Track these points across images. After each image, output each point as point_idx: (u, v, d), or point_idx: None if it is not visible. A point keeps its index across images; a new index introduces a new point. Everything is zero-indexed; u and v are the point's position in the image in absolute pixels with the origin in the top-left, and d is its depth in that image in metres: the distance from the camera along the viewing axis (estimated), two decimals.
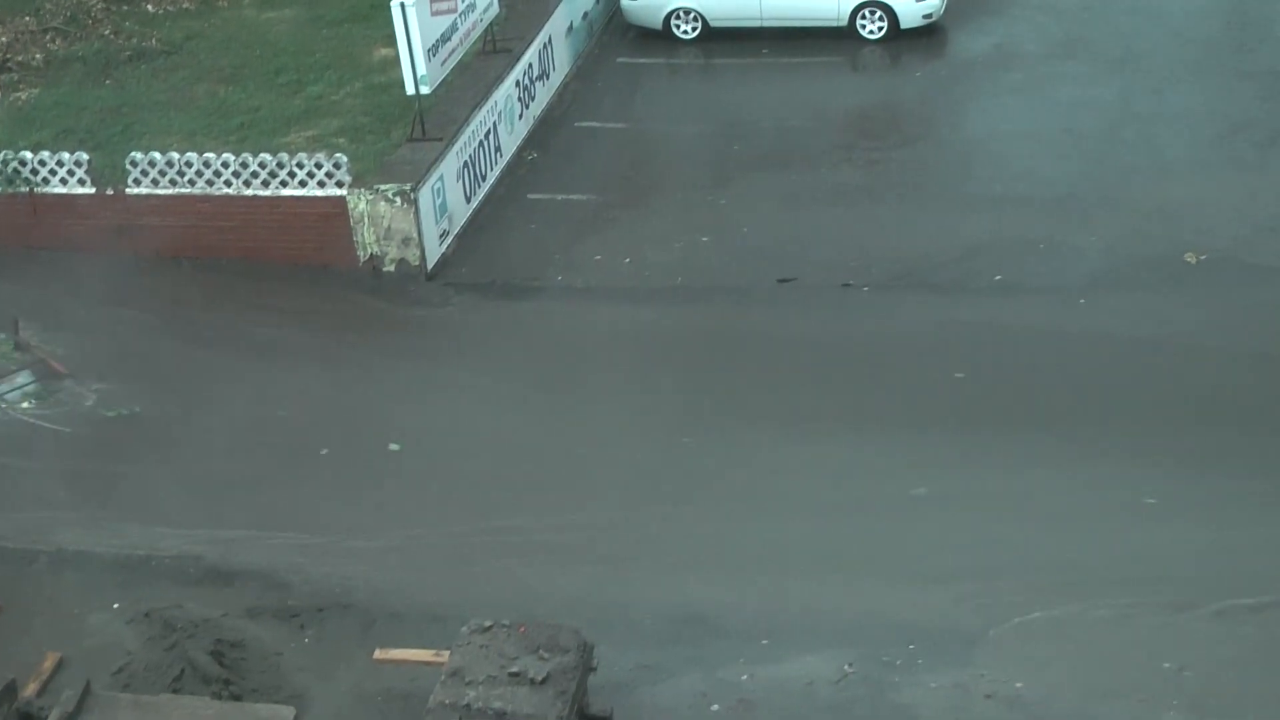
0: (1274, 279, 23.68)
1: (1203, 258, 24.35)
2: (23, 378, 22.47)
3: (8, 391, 22.18)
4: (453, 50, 26.76)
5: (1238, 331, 22.47)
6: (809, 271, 24.94)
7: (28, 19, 33.32)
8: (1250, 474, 19.37)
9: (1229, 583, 17.42)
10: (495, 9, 29.28)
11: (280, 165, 25.51)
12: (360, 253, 25.57)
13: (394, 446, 21.07)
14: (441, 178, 26.10)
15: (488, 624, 15.93)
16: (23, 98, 30.67)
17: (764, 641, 16.96)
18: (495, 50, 29.75)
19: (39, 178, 26.34)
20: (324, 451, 21.29)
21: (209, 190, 25.79)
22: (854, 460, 20.43)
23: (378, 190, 25.27)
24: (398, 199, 25.17)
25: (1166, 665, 16.25)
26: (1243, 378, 21.45)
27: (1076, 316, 23.21)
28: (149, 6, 34.38)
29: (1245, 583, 17.41)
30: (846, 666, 16.51)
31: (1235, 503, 18.90)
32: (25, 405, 21.94)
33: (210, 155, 25.79)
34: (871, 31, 32.37)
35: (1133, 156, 27.58)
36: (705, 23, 33.01)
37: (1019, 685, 16.06)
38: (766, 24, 32.76)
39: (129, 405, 22.18)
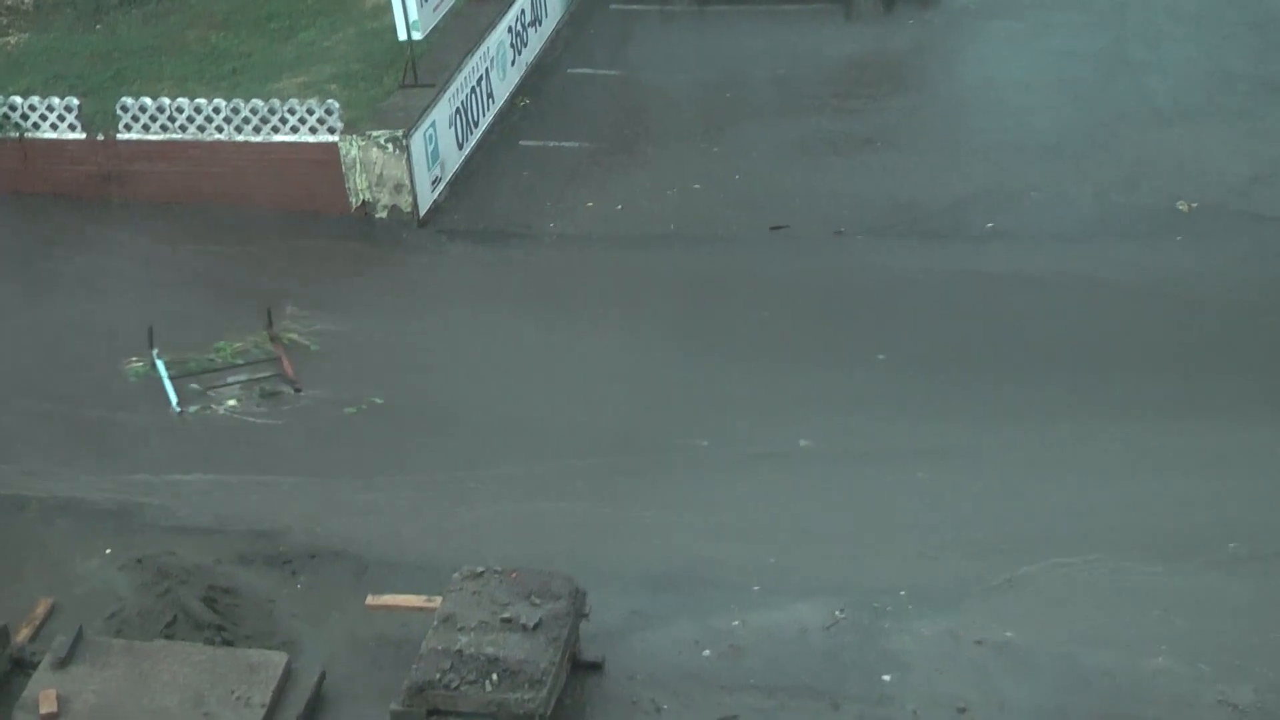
0: (1265, 227, 23.72)
1: (1194, 206, 24.36)
2: (257, 373, 21.63)
3: (229, 384, 21.42)
4: None
5: (1230, 280, 22.51)
6: (802, 219, 24.93)
7: None
8: (1244, 424, 19.42)
9: (1221, 533, 17.48)
10: None
11: (272, 111, 25.44)
12: (352, 199, 25.51)
13: (803, 443, 20.12)
14: (434, 124, 26.02)
15: (480, 570, 15.97)
16: (12, 42, 30.56)
17: (755, 588, 16.99)
18: None
19: (29, 123, 26.24)
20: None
21: (200, 136, 25.72)
22: (848, 408, 20.46)
23: (370, 137, 25.20)
24: (390, 145, 25.11)
25: (1156, 613, 16.31)
26: (1235, 326, 21.49)
27: (1068, 264, 23.23)
28: None
29: (1237, 533, 17.46)
30: (838, 613, 16.55)
31: (1228, 453, 18.95)
32: (231, 403, 21.17)
33: (201, 101, 25.71)
34: None
35: (1126, 105, 27.55)
36: None
37: (1009, 634, 16.12)
38: None
39: (367, 399, 21.36)
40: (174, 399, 21.12)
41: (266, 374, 21.55)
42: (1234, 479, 18.48)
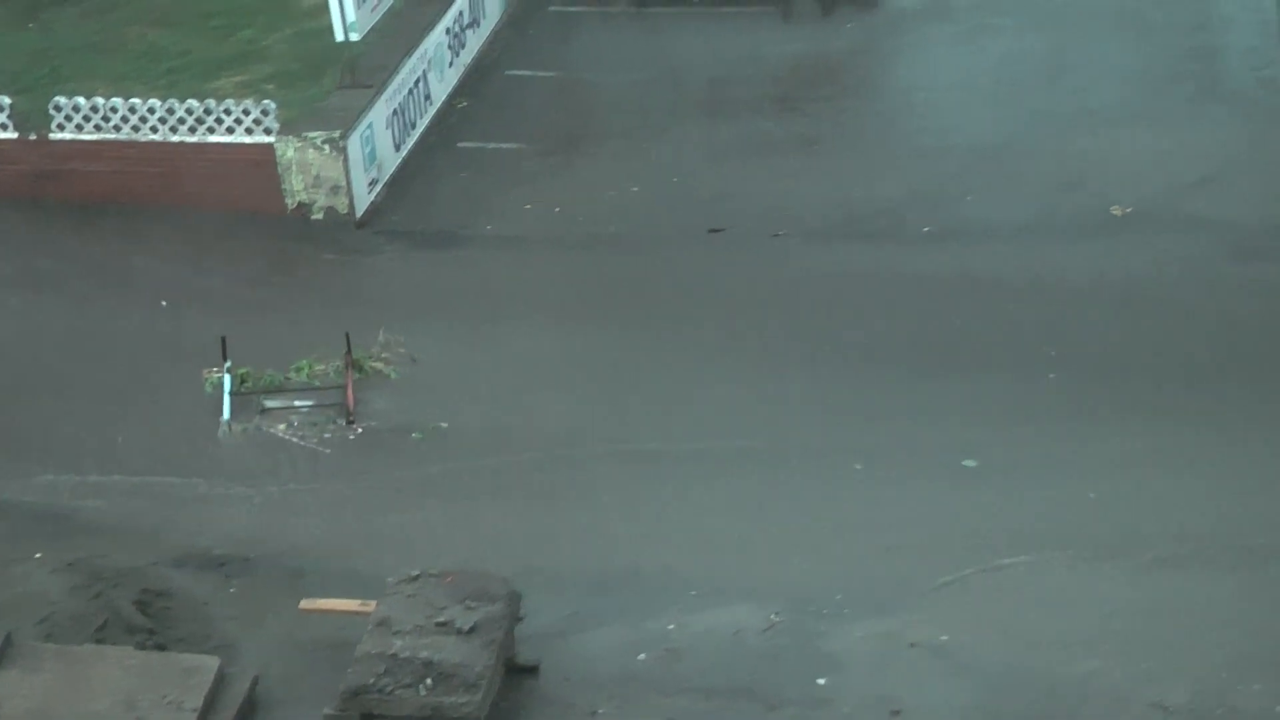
0: (1200, 231, 23.85)
1: (1129, 210, 24.49)
2: (317, 400, 20.90)
3: (291, 407, 20.89)
4: None
5: (1165, 283, 22.64)
6: (740, 221, 24.95)
7: None
8: (1180, 425, 19.52)
9: (1158, 534, 17.57)
10: None
11: (208, 112, 25.28)
12: (288, 200, 25.39)
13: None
14: (371, 125, 25.95)
15: (415, 574, 15.93)
16: None
17: (692, 592, 17.00)
18: None
19: None
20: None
21: (135, 136, 25.53)
22: (787, 411, 20.47)
23: (306, 138, 25.10)
24: (326, 146, 25.01)
25: (1092, 615, 16.40)
26: (1166, 330, 21.60)
27: (1004, 267, 23.31)
28: None
29: (1174, 534, 17.57)
30: (774, 616, 16.58)
31: (1165, 454, 19.04)
32: (282, 426, 20.66)
33: (136, 100, 25.52)
34: None
35: (1063, 109, 27.67)
36: None
37: (944, 637, 16.17)
38: None
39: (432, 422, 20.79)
40: (227, 414, 20.71)
41: (330, 401, 20.93)
42: (1171, 480, 18.57)
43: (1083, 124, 27.12)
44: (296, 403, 20.98)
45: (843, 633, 16.34)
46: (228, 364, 21.01)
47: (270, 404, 20.93)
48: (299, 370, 21.38)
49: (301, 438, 20.43)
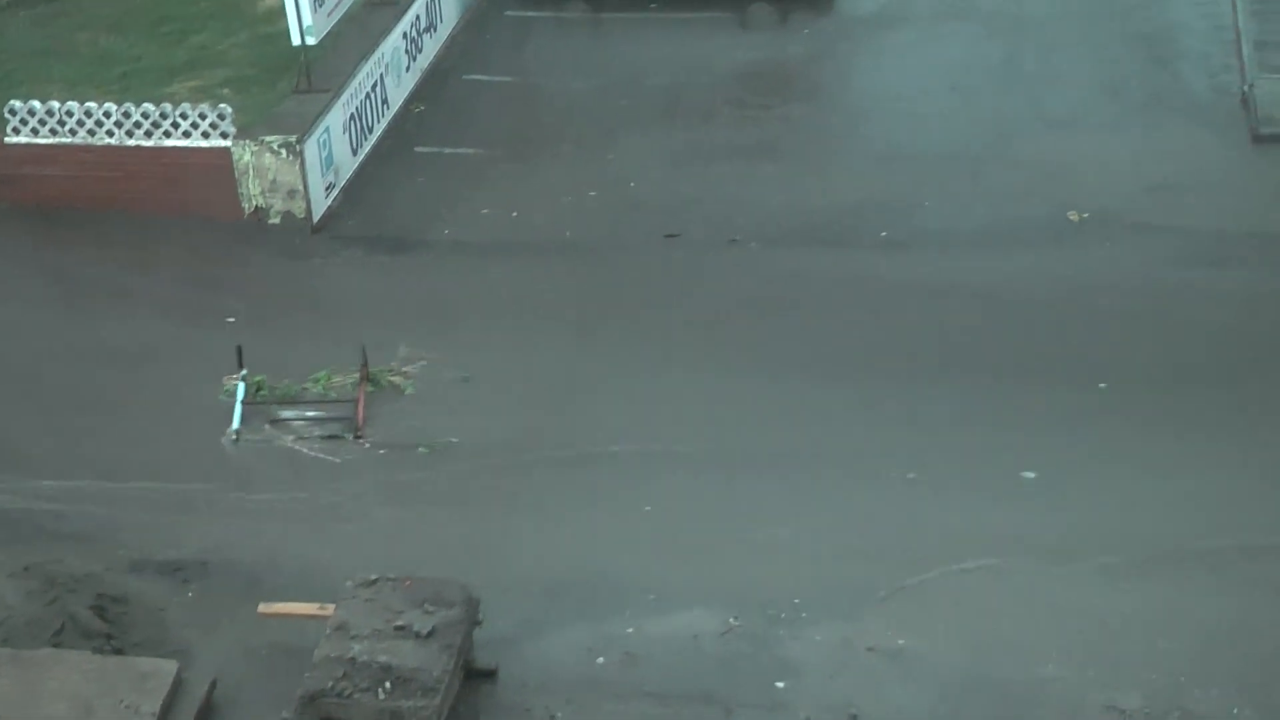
0: (1154, 237, 23.98)
1: (1085, 216, 24.61)
2: (329, 411, 20.75)
3: (301, 419, 20.73)
4: (339, 1, 26.52)
5: (1117, 290, 22.75)
6: (696, 227, 24.99)
7: None
8: (1129, 433, 19.62)
9: (1113, 540, 17.68)
10: None
11: (164, 116, 25.18)
12: (245, 205, 25.30)
13: (1028, 474, 19.29)
14: (328, 130, 25.89)
15: (373, 578, 15.94)
16: None
17: (651, 596, 17.03)
18: (383, 1, 29.52)
19: None
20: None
21: (90, 140, 25.41)
22: (746, 415, 20.50)
23: (263, 142, 25.02)
24: (283, 151, 24.94)
25: (1047, 620, 16.50)
26: (1121, 336, 21.71)
27: (959, 273, 23.40)
28: None
29: (1129, 540, 17.67)
30: (732, 620, 16.63)
31: (1121, 460, 19.14)
32: (290, 438, 20.50)
33: (91, 105, 25.41)
34: None
35: (1019, 115, 27.81)
36: None
37: (901, 641, 16.24)
38: None
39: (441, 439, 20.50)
40: (236, 423, 20.55)
41: (339, 415, 20.77)
42: (1126, 487, 18.67)
43: (1039, 130, 27.28)
44: (309, 414, 20.90)
45: (801, 637, 16.40)
46: (243, 372, 20.93)
47: (283, 414, 20.85)
48: (316, 381, 21.30)
49: (309, 448, 20.38)
